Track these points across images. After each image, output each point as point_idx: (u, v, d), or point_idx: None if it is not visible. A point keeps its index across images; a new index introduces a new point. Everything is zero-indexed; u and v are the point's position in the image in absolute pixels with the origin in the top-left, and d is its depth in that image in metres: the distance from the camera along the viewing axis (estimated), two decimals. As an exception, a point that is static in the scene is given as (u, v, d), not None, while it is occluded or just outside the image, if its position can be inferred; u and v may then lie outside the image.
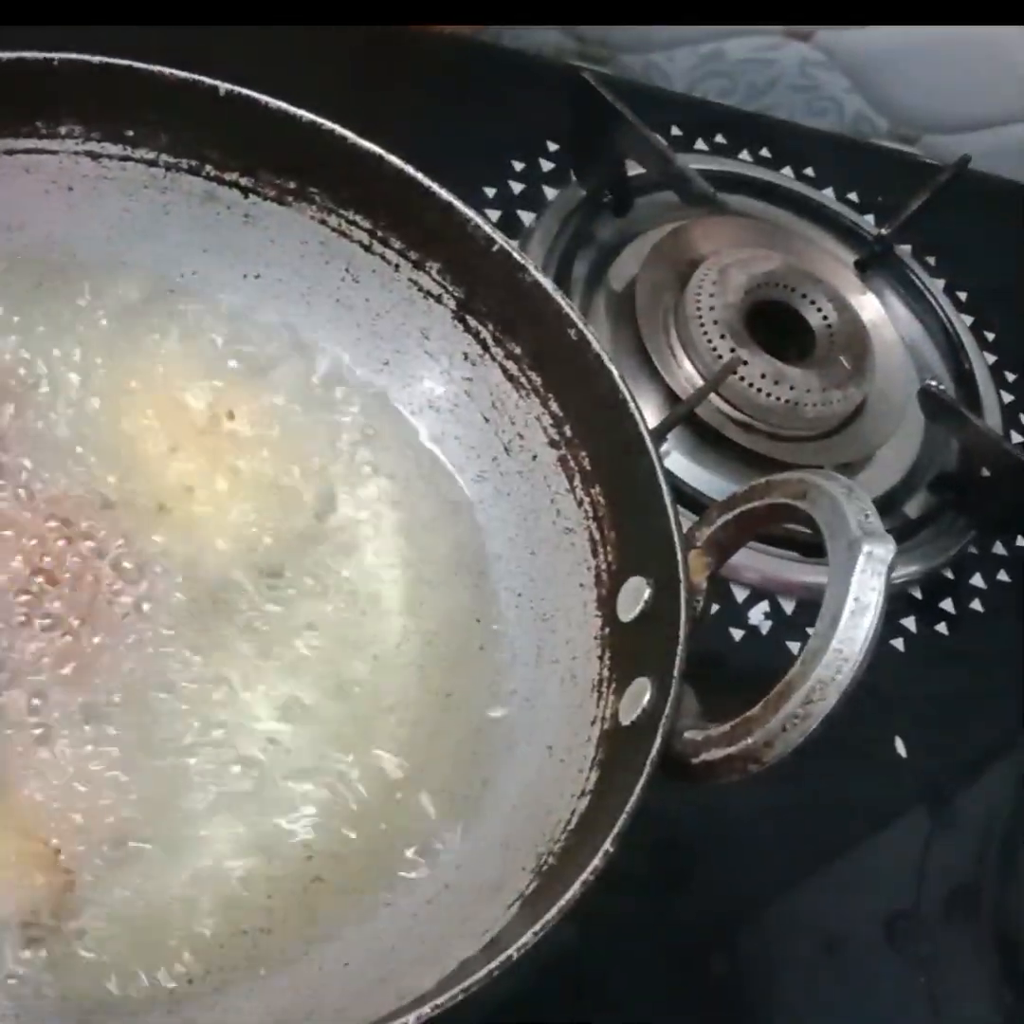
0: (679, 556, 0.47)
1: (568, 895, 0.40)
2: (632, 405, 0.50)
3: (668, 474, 0.50)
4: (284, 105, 0.53)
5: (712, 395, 0.71)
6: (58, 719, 0.46)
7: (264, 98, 0.53)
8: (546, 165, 0.82)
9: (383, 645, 0.52)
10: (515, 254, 0.53)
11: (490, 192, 0.79)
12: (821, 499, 0.44)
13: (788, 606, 0.70)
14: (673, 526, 0.48)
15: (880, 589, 0.41)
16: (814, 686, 0.41)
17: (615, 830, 0.41)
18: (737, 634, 0.68)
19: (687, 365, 0.73)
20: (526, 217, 0.79)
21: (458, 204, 0.54)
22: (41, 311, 0.54)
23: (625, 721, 0.47)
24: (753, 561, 0.69)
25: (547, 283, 0.53)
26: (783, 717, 0.41)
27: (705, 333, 0.72)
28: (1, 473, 0.50)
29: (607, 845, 0.41)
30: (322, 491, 0.54)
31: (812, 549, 0.65)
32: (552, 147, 0.82)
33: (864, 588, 0.41)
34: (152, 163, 0.55)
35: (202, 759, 0.48)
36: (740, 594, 0.70)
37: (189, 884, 0.45)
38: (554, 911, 0.40)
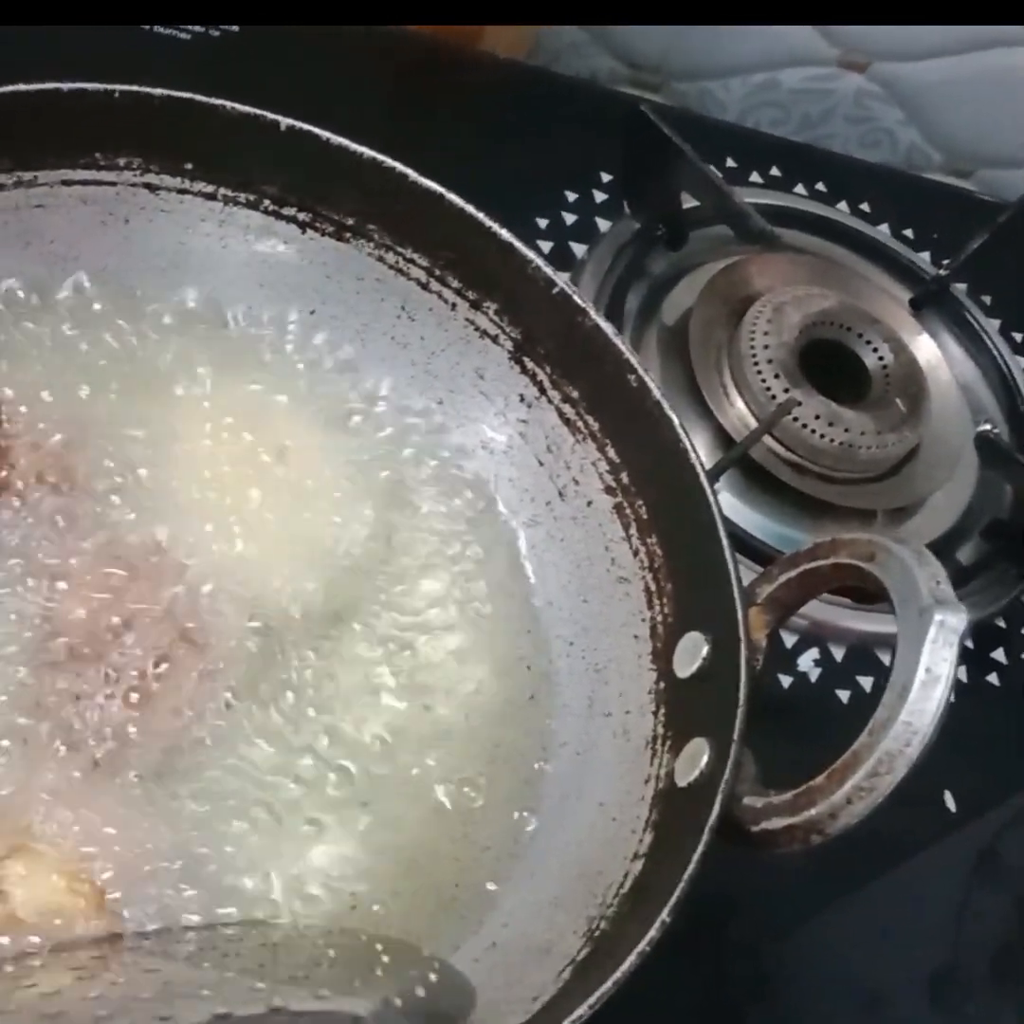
0: (739, 614, 0.46)
1: (624, 967, 0.39)
2: (694, 457, 0.49)
3: (726, 522, 0.49)
4: (345, 142, 0.52)
5: (765, 436, 0.70)
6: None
7: (325, 134, 0.52)
8: (599, 196, 0.81)
9: (432, 692, 0.51)
10: (575, 297, 0.53)
11: (543, 223, 0.78)
12: (891, 562, 0.43)
13: (838, 653, 0.69)
14: (733, 582, 0.47)
15: (951, 660, 0.40)
16: (882, 758, 0.40)
17: (673, 899, 0.40)
18: (786, 680, 0.67)
19: (740, 404, 0.72)
20: (578, 249, 0.78)
21: (519, 245, 0.53)
22: (96, 345, 0.54)
23: (681, 782, 0.46)
24: (804, 607, 0.67)
25: (607, 328, 0.52)
26: (849, 789, 0.40)
27: (759, 372, 0.71)
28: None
29: (664, 915, 0.40)
30: (374, 535, 0.53)
31: (863, 596, 0.64)
32: (605, 178, 0.82)
33: (935, 658, 0.40)
34: (210, 196, 0.54)
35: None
36: (789, 640, 0.68)
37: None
38: (609, 984, 0.39)
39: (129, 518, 0.49)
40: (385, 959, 0.43)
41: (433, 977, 0.41)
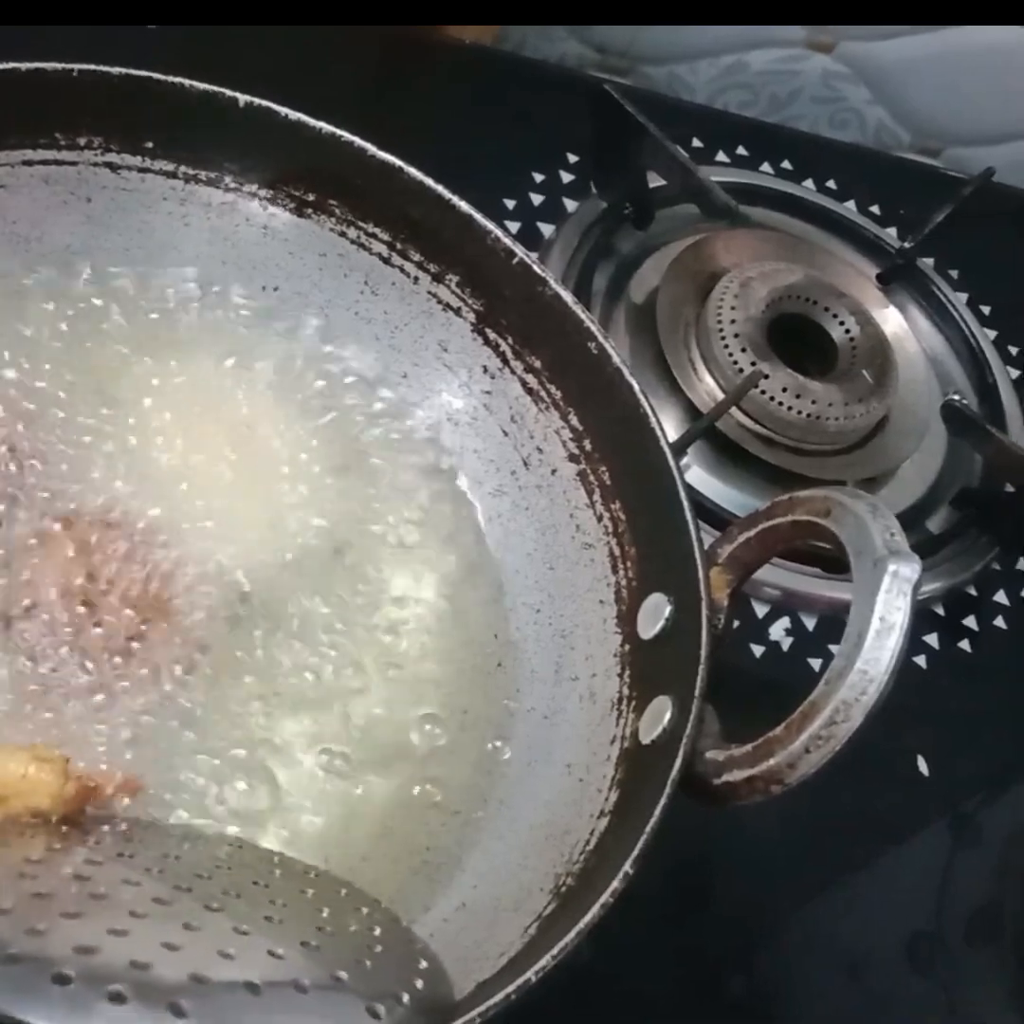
0: (700, 573, 0.46)
1: (587, 918, 0.39)
2: (653, 420, 0.49)
3: (689, 489, 0.49)
4: (304, 117, 0.53)
5: (733, 409, 0.70)
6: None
7: (284, 110, 0.53)
8: (566, 177, 0.81)
9: (400, 662, 0.52)
10: (535, 267, 0.53)
11: (510, 204, 0.79)
12: (846, 517, 0.43)
13: (809, 622, 0.69)
14: (694, 543, 0.47)
15: (906, 609, 0.40)
16: (838, 707, 0.40)
17: (635, 851, 0.41)
18: (758, 650, 0.68)
19: (708, 378, 0.72)
20: (546, 229, 0.78)
21: (478, 217, 0.53)
22: (57, 321, 0.54)
23: (645, 740, 0.46)
24: (774, 577, 0.68)
25: (567, 296, 0.52)
26: (807, 738, 0.41)
27: (726, 346, 0.72)
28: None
29: (627, 867, 0.40)
30: (342, 506, 0.54)
31: (834, 565, 0.65)
32: (572, 159, 0.82)
33: (889, 608, 0.40)
34: (171, 175, 0.55)
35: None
36: (761, 610, 0.69)
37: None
38: (572, 934, 0.39)
39: (84, 493, 0.50)
40: (377, 932, 0.43)
41: (424, 964, 0.41)
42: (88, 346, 0.54)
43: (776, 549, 0.48)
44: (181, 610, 0.49)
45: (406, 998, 0.38)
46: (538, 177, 0.81)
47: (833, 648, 0.68)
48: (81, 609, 0.47)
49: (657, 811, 0.41)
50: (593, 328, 0.52)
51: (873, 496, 0.43)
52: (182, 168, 0.55)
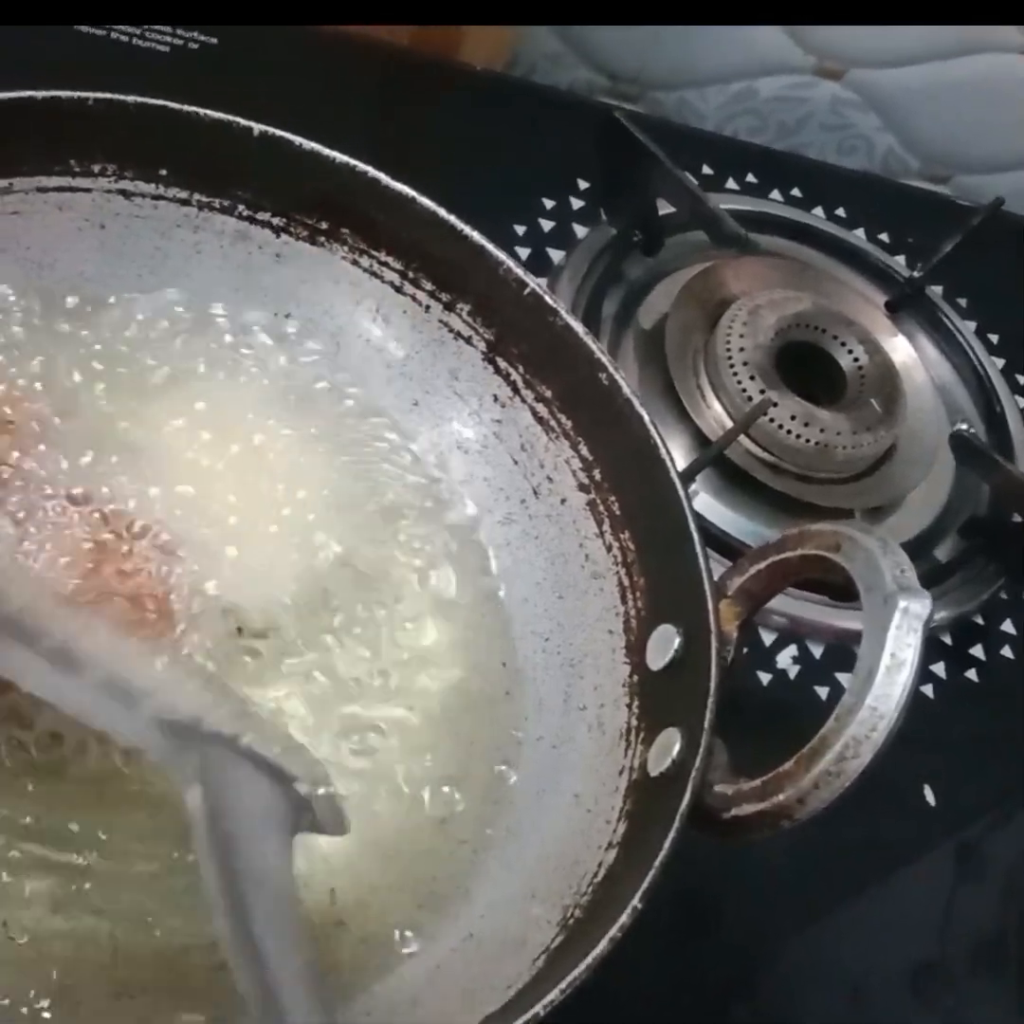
0: (709, 606, 0.46)
1: (596, 952, 0.39)
2: (663, 452, 0.50)
3: (697, 516, 0.49)
4: (318, 146, 0.53)
5: (741, 436, 0.70)
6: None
7: (298, 139, 0.53)
8: (576, 203, 0.82)
9: (407, 691, 0.52)
10: (546, 297, 0.53)
11: (520, 229, 0.79)
12: (856, 552, 0.43)
13: (817, 650, 0.69)
14: (704, 575, 0.47)
15: (916, 646, 0.40)
16: (848, 743, 0.40)
17: (644, 885, 0.41)
18: (765, 678, 0.68)
19: (716, 406, 0.73)
20: (556, 255, 0.79)
21: (490, 247, 0.53)
22: (83, 345, 0.54)
23: (654, 772, 0.46)
24: (782, 604, 0.68)
25: (578, 327, 0.53)
26: (816, 774, 0.41)
27: (735, 374, 0.72)
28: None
29: (635, 901, 0.40)
30: (350, 533, 0.54)
31: (842, 593, 0.65)
32: (582, 185, 0.82)
33: (900, 644, 0.40)
34: (185, 202, 0.55)
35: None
36: (768, 637, 0.69)
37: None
38: (581, 968, 0.39)
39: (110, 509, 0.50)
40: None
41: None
42: (110, 369, 0.54)
43: (786, 582, 0.48)
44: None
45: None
46: (548, 203, 0.81)
47: (841, 676, 0.69)
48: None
49: (666, 845, 0.41)
50: (604, 359, 0.52)
51: (883, 531, 0.43)
52: (196, 195, 0.55)
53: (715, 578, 0.48)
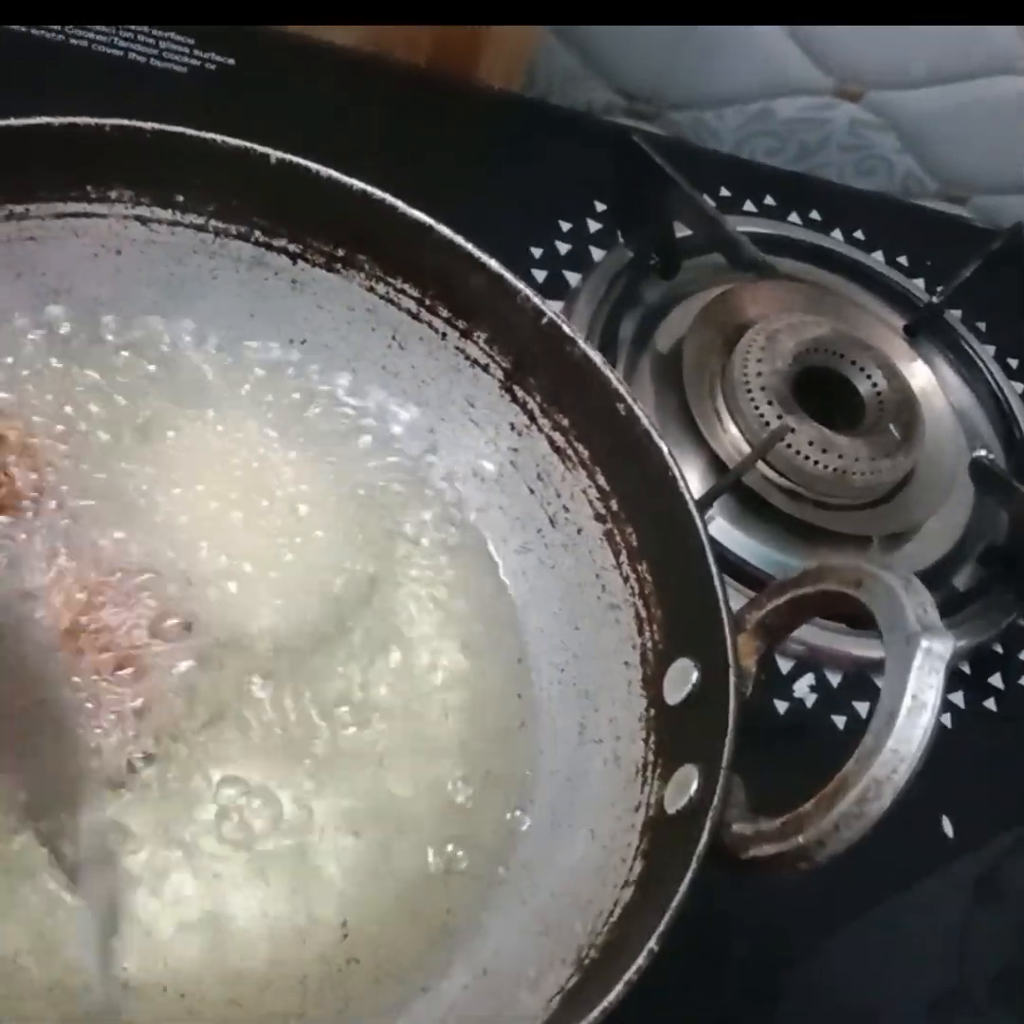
0: (728, 641, 0.46)
1: (611, 996, 0.39)
2: (681, 484, 0.49)
3: (714, 543, 0.49)
4: (334, 173, 0.53)
5: (759, 462, 0.70)
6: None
7: (315, 166, 0.53)
8: (593, 226, 0.81)
9: (422, 720, 0.51)
10: (564, 327, 0.53)
11: (537, 252, 0.79)
12: (877, 589, 0.43)
13: (834, 679, 0.69)
14: (722, 609, 0.47)
15: (938, 687, 0.40)
16: (869, 785, 0.40)
17: (660, 928, 0.40)
18: (781, 706, 0.67)
19: (733, 431, 0.72)
20: (572, 278, 0.78)
21: (507, 275, 0.53)
22: (88, 373, 0.54)
23: (671, 809, 0.45)
24: (800, 632, 0.66)
25: (596, 356, 0.52)
26: (837, 816, 0.40)
27: (752, 399, 0.71)
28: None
29: (652, 944, 0.40)
30: (364, 561, 0.53)
31: (860, 621, 0.64)
32: (600, 207, 0.82)
33: (922, 686, 0.40)
34: (201, 228, 0.55)
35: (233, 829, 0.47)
36: (785, 665, 0.68)
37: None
38: (596, 1013, 0.38)
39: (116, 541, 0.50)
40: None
41: None
42: (116, 395, 0.54)
43: (805, 617, 0.47)
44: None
45: None
46: (565, 226, 0.81)
47: (858, 706, 0.68)
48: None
49: (682, 886, 0.41)
50: (622, 389, 0.51)
51: (901, 558, 0.43)
52: (212, 222, 0.55)
53: (733, 611, 0.47)
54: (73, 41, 0.76)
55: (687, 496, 0.49)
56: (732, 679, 0.45)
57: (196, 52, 0.79)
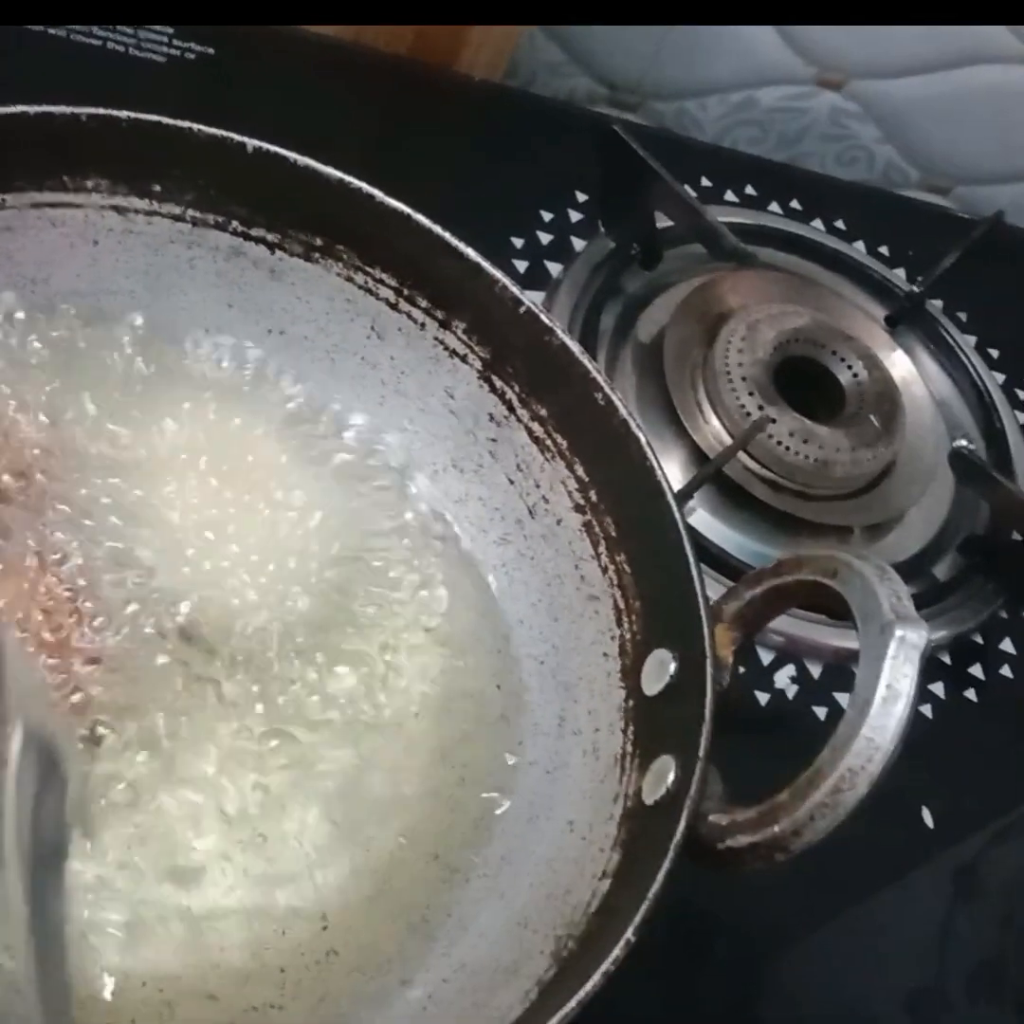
0: (705, 631, 0.46)
1: (588, 986, 0.39)
2: (660, 475, 0.49)
3: (692, 531, 0.49)
4: (312, 163, 0.52)
5: (740, 453, 0.70)
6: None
7: (292, 155, 0.52)
8: (575, 216, 0.81)
9: (401, 714, 0.51)
10: (542, 316, 0.52)
11: (518, 242, 0.79)
12: (853, 579, 0.43)
13: (815, 670, 0.69)
14: (699, 600, 0.47)
15: (913, 676, 0.40)
16: (844, 775, 0.40)
17: (637, 918, 0.40)
18: (763, 697, 0.67)
19: (714, 421, 0.72)
20: (554, 268, 0.78)
21: (486, 265, 0.53)
22: (65, 365, 0.54)
23: (648, 800, 0.45)
24: (780, 624, 0.67)
25: (574, 346, 0.52)
26: (811, 806, 0.40)
27: (733, 389, 0.71)
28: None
29: (629, 934, 0.40)
30: (342, 553, 0.53)
31: (838, 612, 0.64)
32: (581, 198, 0.82)
33: (896, 675, 0.40)
34: (178, 218, 0.54)
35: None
36: (766, 657, 0.68)
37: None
38: (574, 1003, 0.38)
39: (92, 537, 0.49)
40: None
41: None
42: (94, 389, 0.54)
43: (783, 607, 0.47)
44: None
45: None
46: (546, 216, 0.81)
47: (839, 697, 0.68)
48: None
49: (659, 876, 0.41)
50: (600, 379, 0.51)
51: (882, 548, 0.43)
52: (190, 211, 0.54)
53: (711, 602, 0.47)
54: (51, 31, 0.75)
55: (665, 486, 0.49)
56: (709, 670, 0.45)
57: (175, 42, 0.78)
